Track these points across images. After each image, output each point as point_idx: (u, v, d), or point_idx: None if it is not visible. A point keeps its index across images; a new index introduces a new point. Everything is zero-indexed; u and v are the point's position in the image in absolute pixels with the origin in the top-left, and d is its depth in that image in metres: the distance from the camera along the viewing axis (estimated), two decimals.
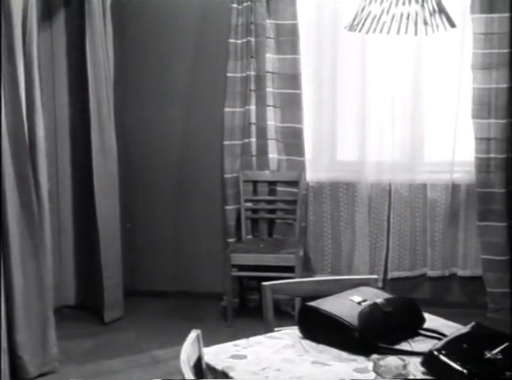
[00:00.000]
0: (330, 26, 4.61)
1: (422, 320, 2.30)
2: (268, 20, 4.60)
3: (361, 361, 2.04)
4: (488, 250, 4.57)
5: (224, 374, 1.99)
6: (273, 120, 4.70)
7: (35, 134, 3.68)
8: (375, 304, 2.23)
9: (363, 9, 2.79)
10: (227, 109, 4.68)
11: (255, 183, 4.78)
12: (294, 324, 2.35)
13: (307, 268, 4.72)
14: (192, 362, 1.89)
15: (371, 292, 2.37)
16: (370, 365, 1.95)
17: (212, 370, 2.04)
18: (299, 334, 2.26)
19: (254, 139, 4.74)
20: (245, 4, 4.56)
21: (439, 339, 2.16)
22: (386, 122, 4.67)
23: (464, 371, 1.90)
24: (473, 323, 2.19)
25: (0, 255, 3.40)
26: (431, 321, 2.33)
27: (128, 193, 4.95)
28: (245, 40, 4.60)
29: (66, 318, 4.48)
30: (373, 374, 1.90)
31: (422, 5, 2.71)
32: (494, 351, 1.97)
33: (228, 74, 4.64)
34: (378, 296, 2.31)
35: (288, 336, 2.28)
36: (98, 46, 4.41)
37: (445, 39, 4.35)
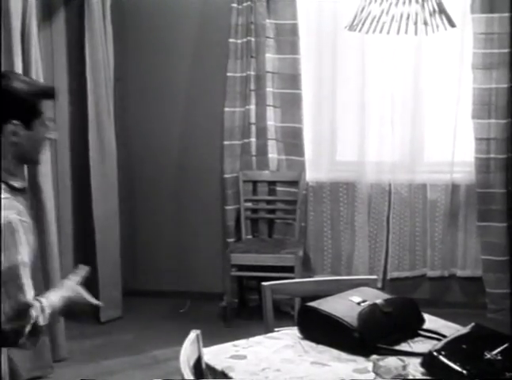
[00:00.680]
0: (330, 26, 4.61)
1: (422, 320, 2.30)
2: (268, 20, 4.59)
3: (361, 361, 2.04)
4: (488, 250, 4.57)
5: (224, 375, 1.99)
6: (272, 120, 4.70)
7: None
8: (374, 304, 2.23)
9: (363, 10, 2.79)
10: (226, 109, 4.68)
11: (255, 183, 4.78)
12: (294, 325, 2.35)
13: (307, 268, 4.72)
14: (191, 363, 1.90)
15: (371, 292, 2.37)
16: (370, 365, 1.95)
17: (212, 371, 2.04)
18: (299, 334, 2.26)
19: (253, 139, 4.74)
20: (245, 4, 4.56)
21: (439, 340, 2.16)
22: (386, 122, 4.67)
23: (464, 372, 1.90)
24: (473, 324, 2.19)
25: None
26: (431, 321, 2.33)
27: (127, 193, 4.95)
28: (245, 40, 4.60)
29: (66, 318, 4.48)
30: (373, 375, 1.90)
31: (422, 6, 2.70)
32: (494, 352, 1.96)
33: (228, 74, 4.63)
34: (378, 296, 2.31)
35: (288, 336, 2.28)
36: (98, 46, 4.41)
37: (445, 39, 4.35)
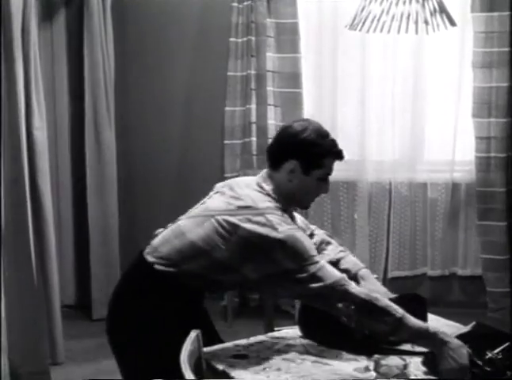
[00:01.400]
0: (331, 25, 4.61)
1: (425, 319, 2.28)
2: (268, 19, 4.59)
3: (362, 360, 2.04)
4: (488, 249, 4.57)
5: (225, 374, 1.99)
6: (273, 119, 4.70)
7: (34, 136, 3.68)
8: None
9: (363, 9, 2.79)
10: (227, 108, 4.67)
11: None
12: (294, 324, 2.35)
13: None
14: (192, 362, 1.89)
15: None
16: (371, 364, 1.95)
17: (213, 370, 2.04)
18: (300, 334, 2.26)
19: (254, 138, 4.74)
20: (245, 3, 4.56)
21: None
22: (386, 121, 4.67)
23: None
24: (474, 322, 2.19)
25: None
26: (432, 320, 2.33)
27: (127, 192, 4.94)
28: (245, 39, 4.60)
29: (66, 318, 4.47)
30: (374, 374, 1.90)
31: (423, 5, 2.70)
32: (495, 351, 1.97)
33: (229, 73, 4.63)
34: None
35: (289, 335, 2.28)
36: (97, 46, 4.41)
37: (446, 38, 4.34)
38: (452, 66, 4.59)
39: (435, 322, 2.33)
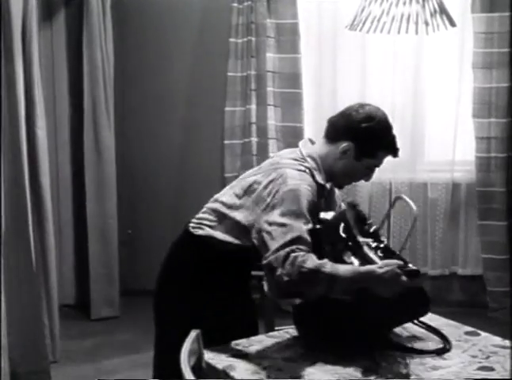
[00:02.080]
0: (331, 25, 4.62)
1: (427, 307, 2.24)
2: (268, 20, 4.59)
3: (363, 361, 2.04)
4: (488, 249, 4.57)
5: (225, 374, 1.99)
6: (273, 120, 4.70)
7: (35, 135, 3.68)
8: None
9: (363, 10, 2.80)
10: (227, 109, 4.68)
11: None
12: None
13: None
14: (192, 362, 1.89)
15: None
16: (372, 365, 1.95)
17: (213, 370, 2.04)
18: (298, 333, 2.27)
19: (254, 139, 4.74)
20: (245, 3, 4.56)
21: (436, 333, 2.17)
22: None
23: None
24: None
25: None
26: (432, 320, 2.33)
27: (127, 192, 4.95)
28: (245, 40, 4.61)
29: (65, 317, 4.48)
30: (374, 374, 1.90)
31: (423, 6, 2.71)
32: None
33: (229, 74, 4.64)
34: None
35: (289, 335, 2.28)
36: (96, 46, 4.41)
37: (446, 39, 4.35)
38: (452, 67, 4.59)
39: (435, 322, 2.33)
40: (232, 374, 1.98)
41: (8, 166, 3.42)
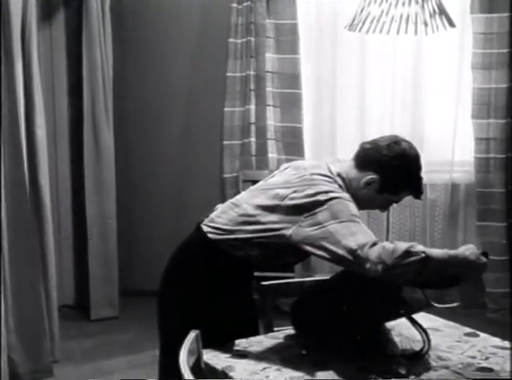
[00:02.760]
0: (330, 26, 4.62)
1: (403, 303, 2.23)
2: (268, 20, 4.60)
3: (362, 361, 2.04)
4: (488, 250, 4.55)
5: (224, 374, 1.99)
6: (272, 120, 4.70)
7: (34, 134, 3.68)
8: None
9: (362, 10, 2.80)
10: (226, 109, 4.68)
11: (255, 182, 4.72)
12: None
13: (307, 268, 4.71)
14: (191, 363, 1.90)
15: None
16: (370, 364, 1.96)
17: (212, 370, 2.04)
18: (295, 331, 2.27)
19: (253, 139, 4.74)
20: (245, 4, 4.57)
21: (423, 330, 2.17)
22: (385, 121, 4.67)
23: None
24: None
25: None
26: (431, 320, 2.34)
27: (127, 192, 4.95)
28: (245, 40, 4.61)
29: (65, 318, 4.48)
30: (373, 374, 1.90)
31: (422, 7, 2.71)
32: None
33: (228, 74, 4.64)
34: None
35: (288, 335, 2.28)
36: (96, 46, 4.41)
37: (445, 39, 4.35)
38: (451, 68, 4.59)
39: (433, 322, 2.33)
40: (231, 374, 1.98)
41: (8, 166, 3.42)
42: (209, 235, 2.29)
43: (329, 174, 2.24)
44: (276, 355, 2.11)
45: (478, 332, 2.28)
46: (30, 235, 3.58)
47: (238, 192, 4.71)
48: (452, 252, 2.03)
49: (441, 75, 4.63)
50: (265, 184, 2.36)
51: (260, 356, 2.10)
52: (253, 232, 2.20)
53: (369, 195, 2.26)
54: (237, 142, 4.74)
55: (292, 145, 4.70)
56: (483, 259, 2.03)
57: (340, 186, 2.21)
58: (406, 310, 2.17)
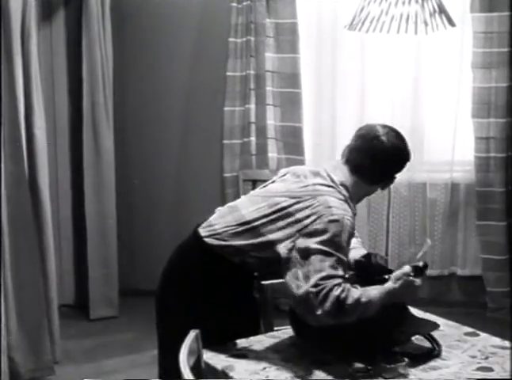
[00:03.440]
0: (330, 25, 4.61)
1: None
2: (268, 20, 4.59)
3: (362, 360, 2.04)
4: (488, 249, 4.57)
5: (224, 374, 1.99)
6: (272, 119, 4.70)
7: (34, 134, 3.68)
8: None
9: (362, 10, 2.80)
10: (226, 108, 4.68)
11: (255, 182, 4.77)
12: None
13: None
14: (191, 362, 1.90)
15: None
16: (369, 364, 1.95)
17: (212, 370, 2.04)
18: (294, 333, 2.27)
19: (253, 138, 4.74)
20: (245, 3, 4.56)
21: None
22: (385, 121, 4.64)
23: None
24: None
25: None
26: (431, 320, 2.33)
27: (126, 192, 4.94)
28: (245, 39, 4.60)
29: (65, 318, 4.48)
30: (372, 374, 1.90)
31: (422, 6, 2.71)
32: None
33: (228, 73, 4.64)
34: None
35: (288, 335, 2.28)
36: (95, 46, 4.41)
37: (445, 38, 4.34)
38: (451, 67, 4.59)
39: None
40: (231, 374, 1.98)
41: (8, 166, 3.42)
42: (206, 240, 2.27)
43: (331, 184, 2.22)
44: (276, 355, 2.11)
45: (478, 332, 2.27)
46: (30, 235, 3.58)
47: (238, 192, 4.72)
48: (384, 289, 2.08)
49: (441, 74, 4.63)
50: (266, 190, 2.33)
51: (260, 356, 2.10)
52: (249, 242, 2.20)
53: (365, 189, 2.34)
54: (237, 142, 4.74)
55: (292, 144, 4.70)
56: (416, 280, 2.10)
57: (344, 196, 2.21)
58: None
